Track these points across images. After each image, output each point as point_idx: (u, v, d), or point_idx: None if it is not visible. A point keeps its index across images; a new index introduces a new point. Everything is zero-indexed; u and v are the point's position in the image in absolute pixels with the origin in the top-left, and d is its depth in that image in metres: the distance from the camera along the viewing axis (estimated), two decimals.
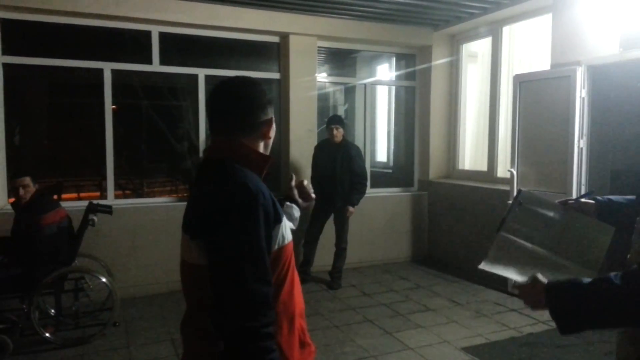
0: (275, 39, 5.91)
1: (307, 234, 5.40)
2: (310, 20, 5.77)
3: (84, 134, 5.51)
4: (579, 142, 4.53)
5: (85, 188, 5.55)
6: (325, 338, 4.04)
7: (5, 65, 4.78)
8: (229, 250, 1.24)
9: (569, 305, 1.35)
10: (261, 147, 1.47)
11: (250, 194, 1.27)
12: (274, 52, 5.98)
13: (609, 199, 1.79)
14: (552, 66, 4.90)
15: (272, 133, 1.48)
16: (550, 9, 4.99)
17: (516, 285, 1.55)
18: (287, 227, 1.42)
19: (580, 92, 4.49)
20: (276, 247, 1.34)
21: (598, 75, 4.57)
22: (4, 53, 4.77)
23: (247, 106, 1.42)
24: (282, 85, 5.95)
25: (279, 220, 1.35)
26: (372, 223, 6.26)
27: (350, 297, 5.08)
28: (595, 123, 4.64)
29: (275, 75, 5.97)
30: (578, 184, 4.55)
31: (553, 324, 4.16)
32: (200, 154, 5.47)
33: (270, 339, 1.23)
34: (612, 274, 1.31)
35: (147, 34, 5.25)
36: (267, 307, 1.23)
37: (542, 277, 1.46)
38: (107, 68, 5.09)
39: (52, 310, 4.10)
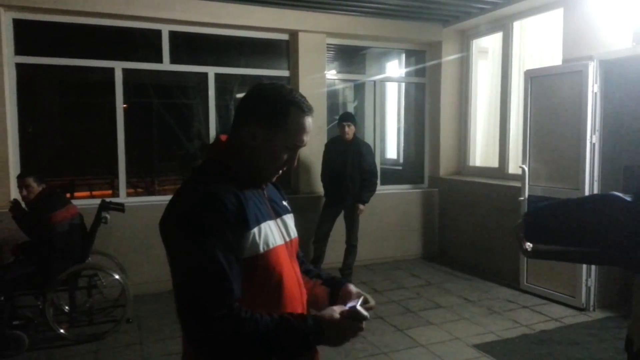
0: (284, 37, 5.92)
1: (317, 232, 5.41)
2: (319, 17, 5.77)
3: (96, 133, 5.56)
4: (591, 138, 4.48)
5: (98, 186, 5.61)
6: None
7: (18, 65, 4.84)
8: (179, 262, 1.24)
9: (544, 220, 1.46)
10: (257, 155, 1.35)
11: (206, 207, 1.23)
12: (283, 49, 5.98)
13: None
14: (564, 61, 4.86)
15: (275, 154, 1.35)
16: (561, 4, 4.94)
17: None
18: (268, 236, 1.33)
19: (593, 87, 4.44)
20: (247, 255, 1.27)
21: (611, 70, 4.52)
22: (17, 53, 4.83)
23: (242, 108, 1.38)
24: (292, 82, 5.95)
25: (247, 228, 1.27)
26: (383, 220, 6.25)
27: None
28: (608, 118, 4.58)
29: (285, 73, 5.98)
30: (591, 180, 4.51)
31: (565, 321, 4.14)
32: None
33: (230, 318, 1.19)
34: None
35: (158, 33, 5.28)
36: (215, 306, 1.19)
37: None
38: (119, 67, 5.13)
39: (66, 307, 4.15)
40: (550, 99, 4.80)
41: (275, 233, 1.38)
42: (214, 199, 1.23)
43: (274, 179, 1.47)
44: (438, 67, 6.53)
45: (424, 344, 3.88)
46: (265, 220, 1.35)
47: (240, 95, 6.49)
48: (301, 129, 1.34)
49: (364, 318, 1.31)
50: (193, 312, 1.19)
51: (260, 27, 5.61)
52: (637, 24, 4.22)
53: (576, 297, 4.55)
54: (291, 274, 1.42)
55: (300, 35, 5.78)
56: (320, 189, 5.65)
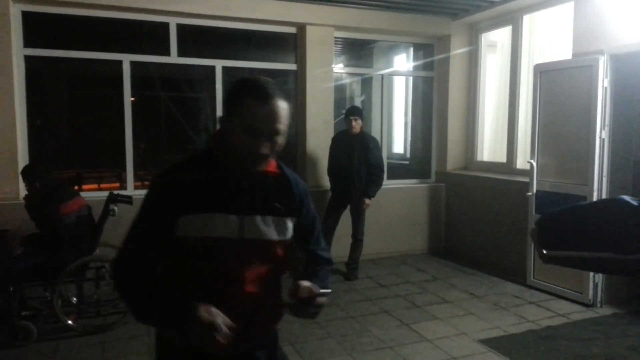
0: (292, 30, 5.89)
1: (323, 226, 5.41)
2: (327, 11, 5.74)
3: (103, 126, 5.58)
4: (601, 133, 4.44)
5: (105, 179, 5.64)
6: (343, 328, 4.05)
7: (27, 57, 4.86)
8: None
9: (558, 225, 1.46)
10: (231, 143, 1.41)
11: (152, 182, 1.50)
12: (291, 43, 5.96)
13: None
14: (574, 55, 4.81)
15: (237, 140, 1.39)
16: None
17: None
18: (206, 225, 1.40)
19: (603, 82, 4.39)
20: (179, 233, 1.40)
21: (621, 65, 4.46)
22: (25, 45, 4.85)
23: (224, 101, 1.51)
24: (299, 76, 5.94)
25: (188, 211, 1.39)
26: (389, 215, 6.24)
27: (366, 288, 5.09)
28: (618, 113, 4.53)
29: (292, 67, 5.96)
30: (599, 176, 4.47)
31: (571, 317, 4.11)
32: None
33: (121, 282, 1.44)
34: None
35: (165, 26, 5.28)
36: (121, 265, 1.44)
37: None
38: (126, 60, 5.14)
39: (74, 299, 4.18)
40: (559, 93, 4.76)
41: (221, 226, 1.41)
42: (154, 183, 1.48)
43: (263, 168, 1.45)
44: (446, 61, 6.48)
45: (429, 338, 3.88)
46: (214, 211, 1.41)
47: None
48: (254, 115, 1.37)
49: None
50: (115, 255, 1.48)
51: (268, 20, 5.59)
52: None
53: (583, 293, 4.53)
54: (232, 272, 1.44)
55: (308, 28, 5.76)
56: (326, 182, 5.64)
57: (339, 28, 5.98)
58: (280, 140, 1.42)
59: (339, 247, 5.56)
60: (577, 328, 4.08)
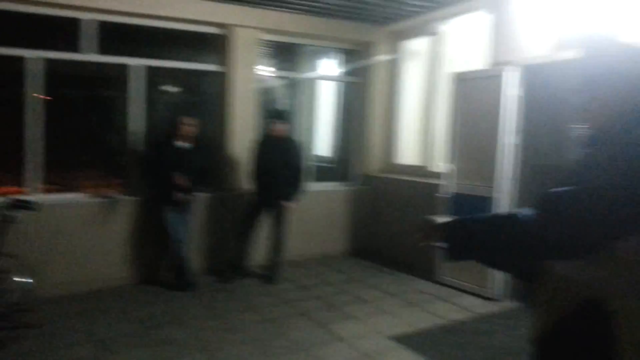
0: (218, 31, 5.82)
1: (243, 228, 5.38)
2: (254, 13, 5.72)
3: (4, 126, 5.18)
4: (508, 139, 4.73)
5: (5, 183, 5.21)
6: (257, 332, 4.04)
7: None
8: None
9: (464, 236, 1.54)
10: None
11: None
12: (218, 44, 5.89)
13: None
14: (488, 65, 5.09)
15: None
16: (487, 10, 5.16)
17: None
18: None
19: (514, 91, 4.68)
20: None
21: (532, 75, 4.74)
22: None
23: None
24: (226, 77, 5.87)
25: None
26: (312, 217, 6.30)
27: (286, 291, 5.11)
28: (529, 121, 4.83)
29: (219, 68, 5.89)
30: (506, 179, 4.76)
31: (476, 311, 4.35)
32: (132, 147, 5.31)
33: None
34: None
35: (78, 22, 5.03)
36: None
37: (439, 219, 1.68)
38: (33, 56, 4.83)
39: None
40: (474, 100, 5.02)
41: None
42: None
43: None
44: (370, 67, 6.66)
45: (345, 338, 3.96)
46: None
47: (171, 89, 6.34)
48: None
49: None
50: None
51: (193, 20, 5.49)
52: (556, 33, 4.47)
53: (487, 288, 4.81)
54: None
55: (235, 29, 5.72)
56: (249, 186, 5.61)
57: (266, 31, 5.97)
58: None
59: (260, 250, 5.55)
60: (481, 321, 4.33)
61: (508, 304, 4.71)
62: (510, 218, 1.50)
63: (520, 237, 1.42)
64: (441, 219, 1.71)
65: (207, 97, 6.16)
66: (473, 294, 4.93)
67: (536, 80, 4.77)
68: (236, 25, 5.70)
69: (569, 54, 4.24)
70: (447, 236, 1.58)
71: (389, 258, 6.23)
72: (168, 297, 4.81)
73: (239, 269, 5.39)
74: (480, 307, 4.67)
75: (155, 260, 5.27)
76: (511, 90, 4.69)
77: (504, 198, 4.76)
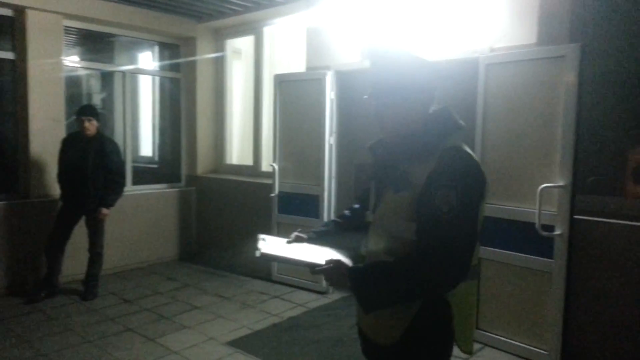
0: (7, 12, 4.95)
1: (51, 239, 4.70)
2: None
3: None
4: (329, 139, 5.01)
5: None
6: (76, 357, 3.57)
7: None
8: None
9: (369, 288, 1.52)
10: None
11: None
12: (7, 27, 5.00)
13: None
14: (307, 69, 5.30)
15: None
16: (303, 14, 5.36)
17: (317, 269, 1.63)
18: None
19: (330, 94, 4.96)
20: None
21: (345, 80, 5.11)
22: None
23: None
24: (18, 66, 5.03)
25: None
26: (135, 222, 5.83)
27: (108, 306, 4.62)
28: (343, 122, 5.20)
29: (9, 55, 5.01)
30: (329, 177, 5.04)
31: (309, 306, 4.51)
32: None
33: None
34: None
35: None
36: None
37: (346, 260, 1.63)
38: None
39: None
40: (296, 102, 5.19)
41: None
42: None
43: None
44: (193, 63, 6.41)
45: (177, 350, 3.74)
46: None
47: None
48: None
49: None
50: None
51: None
52: (362, 42, 4.85)
53: (318, 283, 5.05)
54: None
55: (28, 12, 4.93)
56: (56, 191, 4.92)
57: (69, 16, 5.29)
58: None
59: (75, 264, 4.95)
60: (313, 315, 4.51)
61: (336, 296, 4.99)
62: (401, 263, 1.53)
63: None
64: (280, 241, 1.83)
65: None
66: (307, 290, 5.12)
67: (349, 85, 5.15)
68: (31, 8, 4.94)
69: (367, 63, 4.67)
70: (356, 289, 1.54)
71: (221, 260, 6.09)
72: None
73: (50, 287, 4.70)
74: (313, 301, 4.86)
75: None
76: (331, 94, 4.98)
77: (328, 196, 5.04)
